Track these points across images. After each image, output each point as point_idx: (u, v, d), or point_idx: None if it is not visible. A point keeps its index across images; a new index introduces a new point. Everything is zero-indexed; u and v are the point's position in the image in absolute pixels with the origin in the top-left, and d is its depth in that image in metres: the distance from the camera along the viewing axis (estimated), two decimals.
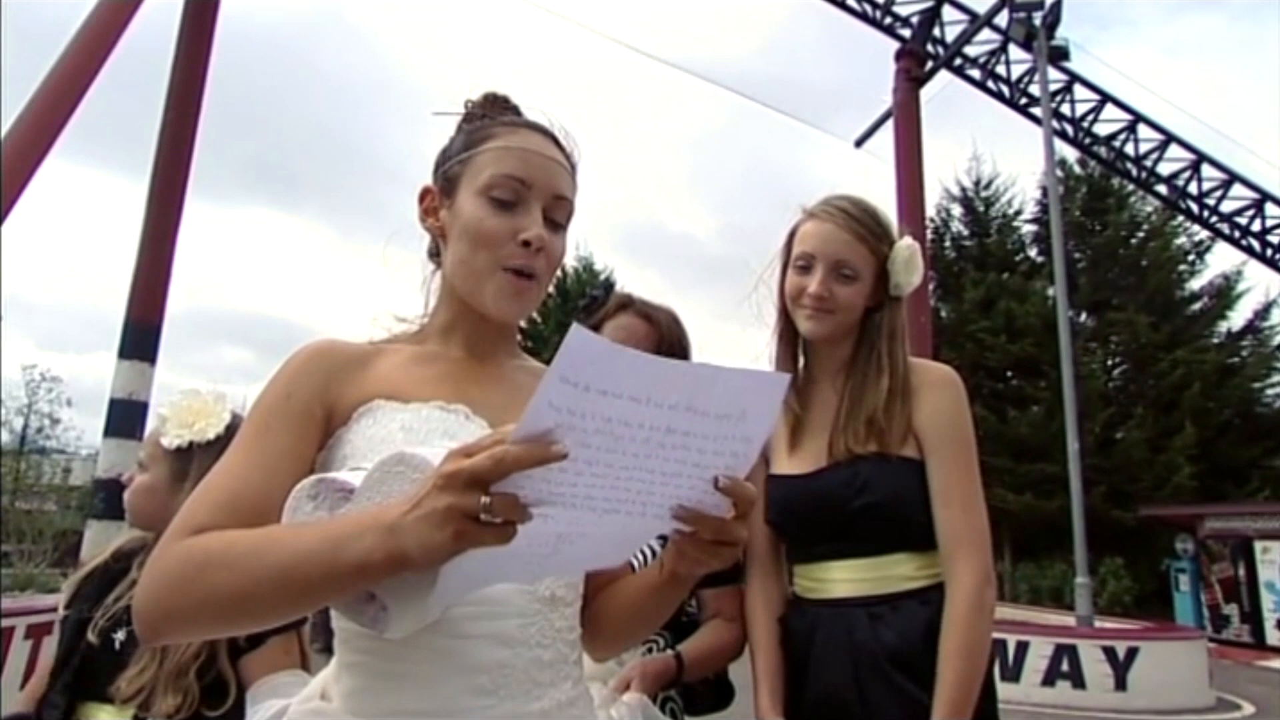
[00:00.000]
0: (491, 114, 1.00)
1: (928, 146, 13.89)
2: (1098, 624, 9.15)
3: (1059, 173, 15.42)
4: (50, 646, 1.53)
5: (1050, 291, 17.07)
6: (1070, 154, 17.82)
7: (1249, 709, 8.06)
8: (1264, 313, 17.66)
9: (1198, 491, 15.47)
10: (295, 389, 0.86)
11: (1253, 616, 12.39)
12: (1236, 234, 15.97)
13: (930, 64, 14.38)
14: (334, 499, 0.76)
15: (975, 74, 15.00)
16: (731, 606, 1.49)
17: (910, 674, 1.22)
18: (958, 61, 14.73)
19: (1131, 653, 7.92)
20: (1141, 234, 18.50)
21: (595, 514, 0.63)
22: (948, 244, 20.17)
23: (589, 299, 1.74)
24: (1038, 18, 11.86)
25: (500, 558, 0.62)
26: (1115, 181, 18.13)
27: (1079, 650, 7.99)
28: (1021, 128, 15.40)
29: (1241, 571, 12.60)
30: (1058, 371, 10.65)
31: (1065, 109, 15.26)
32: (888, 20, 14.50)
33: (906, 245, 1.40)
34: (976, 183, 20.23)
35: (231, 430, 1.46)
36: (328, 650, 0.89)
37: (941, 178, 21.79)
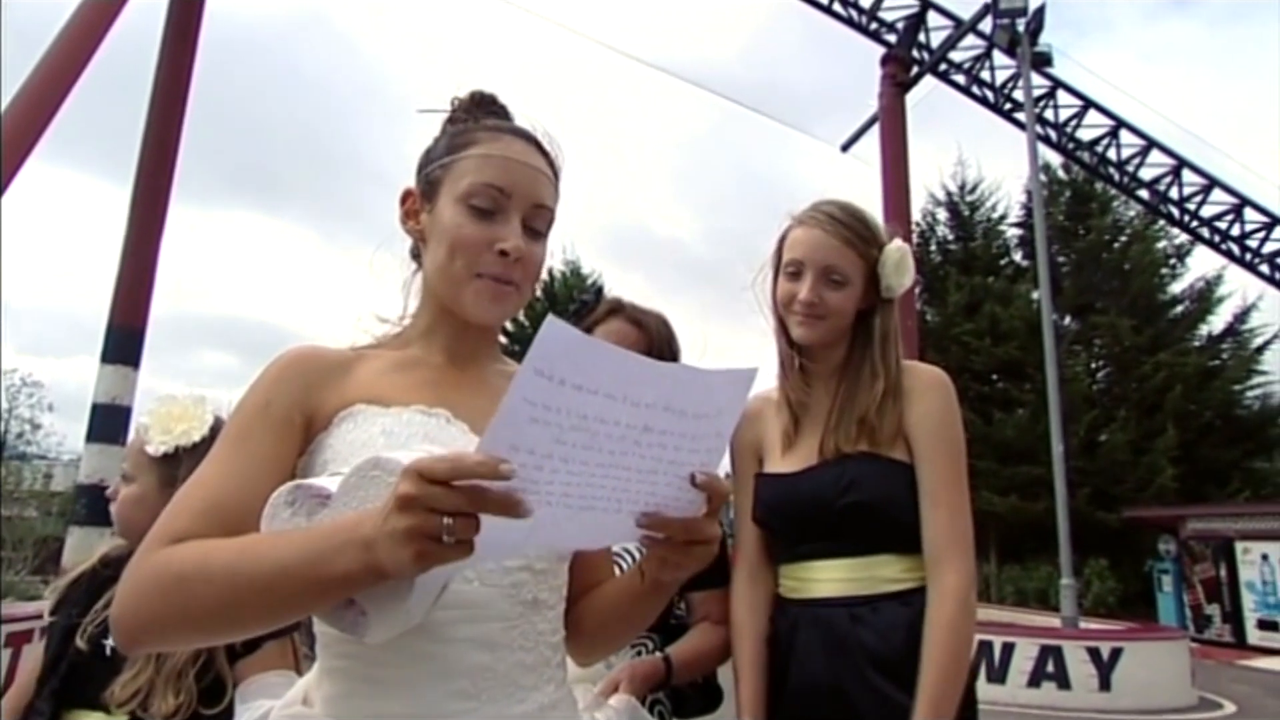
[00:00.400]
0: (477, 115, 0.99)
1: (913, 151, 13.99)
2: (1082, 625, 9.21)
3: (1043, 177, 15.56)
4: (29, 654, 1.51)
5: (1035, 295, 17.20)
6: (1054, 159, 18.01)
7: (1231, 708, 8.14)
8: (1243, 316, 17.88)
9: (1180, 493, 15.61)
10: (275, 396, 0.86)
11: (1234, 616, 12.51)
12: (1216, 238, 16.16)
13: (915, 69, 14.48)
14: (311, 505, 0.76)
15: (960, 79, 15.13)
16: (720, 609, 1.49)
17: (889, 675, 1.23)
18: (942, 67, 14.84)
19: (1115, 653, 7.99)
20: (1124, 238, 18.68)
21: (570, 510, 0.63)
22: (933, 248, 20.30)
23: (579, 304, 1.74)
24: (1021, 24, 11.97)
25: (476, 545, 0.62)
26: (1098, 186, 18.31)
27: (1064, 651, 8.05)
28: (1005, 132, 15.54)
29: (1223, 572, 12.73)
30: (1042, 374, 10.74)
31: (1049, 114, 15.41)
32: (873, 26, 14.60)
33: (896, 248, 1.41)
34: (961, 187, 20.40)
35: (215, 432, 1.45)
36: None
37: (927, 182, 21.94)
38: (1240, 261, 16.27)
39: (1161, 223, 17.53)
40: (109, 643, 1.35)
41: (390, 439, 0.83)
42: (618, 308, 1.68)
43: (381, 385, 0.89)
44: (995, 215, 20.23)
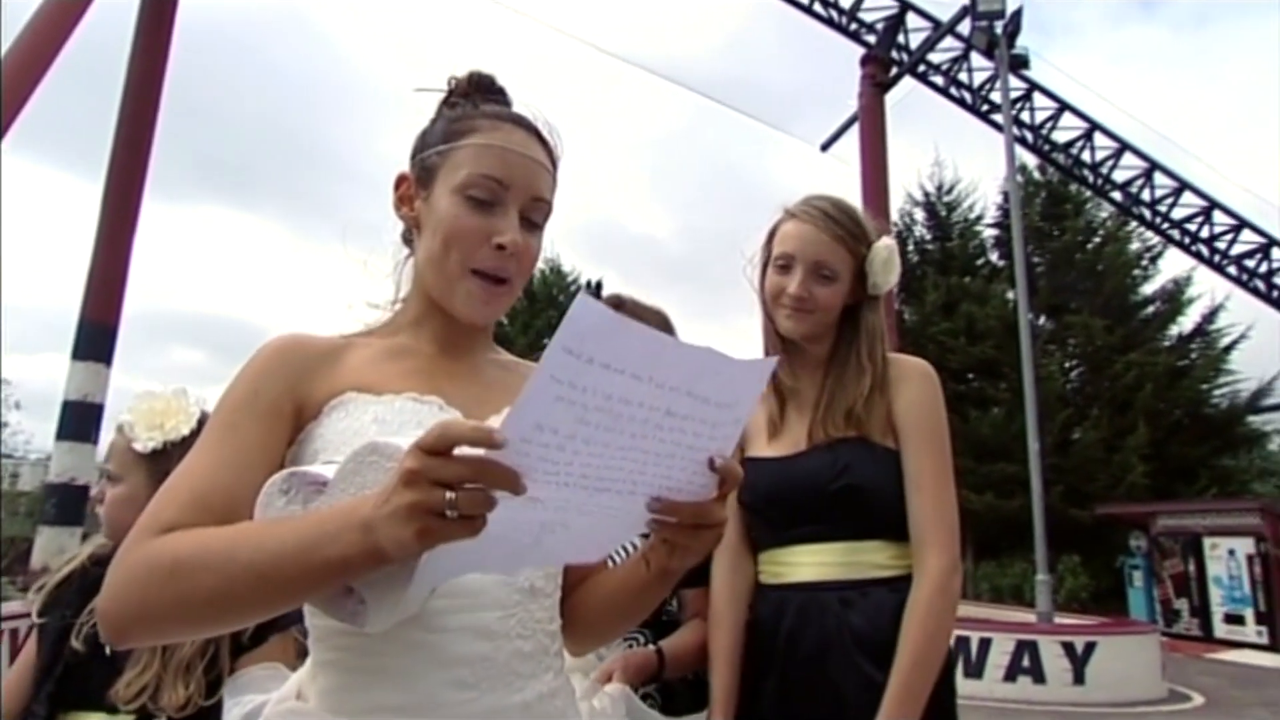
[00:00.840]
0: (475, 99, 0.97)
1: (891, 151, 14.12)
2: (1057, 620, 9.37)
3: (1019, 179, 15.76)
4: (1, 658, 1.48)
5: (1010, 295, 17.44)
6: (1030, 160, 18.25)
7: (1199, 700, 8.30)
8: (1211, 317, 18.19)
9: (1150, 490, 15.87)
10: (263, 385, 0.84)
11: (1201, 610, 12.76)
12: (1186, 240, 16.47)
13: (895, 70, 14.61)
14: (306, 493, 0.75)
15: (939, 80, 15.29)
16: (708, 607, 1.50)
17: (875, 660, 1.24)
18: (921, 68, 14.99)
19: (1089, 647, 8.11)
20: (1097, 239, 18.95)
21: (586, 492, 0.62)
22: (911, 248, 20.46)
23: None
24: (999, 26, 12.13)
25: (482, 546, 0.61)
26: (1073, 188, 18.57)
27: (1040, 646, 8.16)
28: (981, 133, 15.76)
29: (1191, 567, 12.97)
30: (1018, 373, 10.89)
31: (1025, 116, 15.62)
32: (853, 26, 14.72)
33: (885, 245, 1.42)
34: (939, 187, 20.58)
35: (203, 425, 1.43)
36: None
37: (905, 182, 22.15)
38: (1209, 263, 16.59)
39: (1134, 224, 17.82)
40: None
41: (383, 427, 0.82)
42: (618, 304, 1.66)
43: (372, 374, 0.88)
44: (972, 216, 20.47)
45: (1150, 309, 18.73)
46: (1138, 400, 16.76)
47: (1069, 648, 8.13)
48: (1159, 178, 16.03)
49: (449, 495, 0.57)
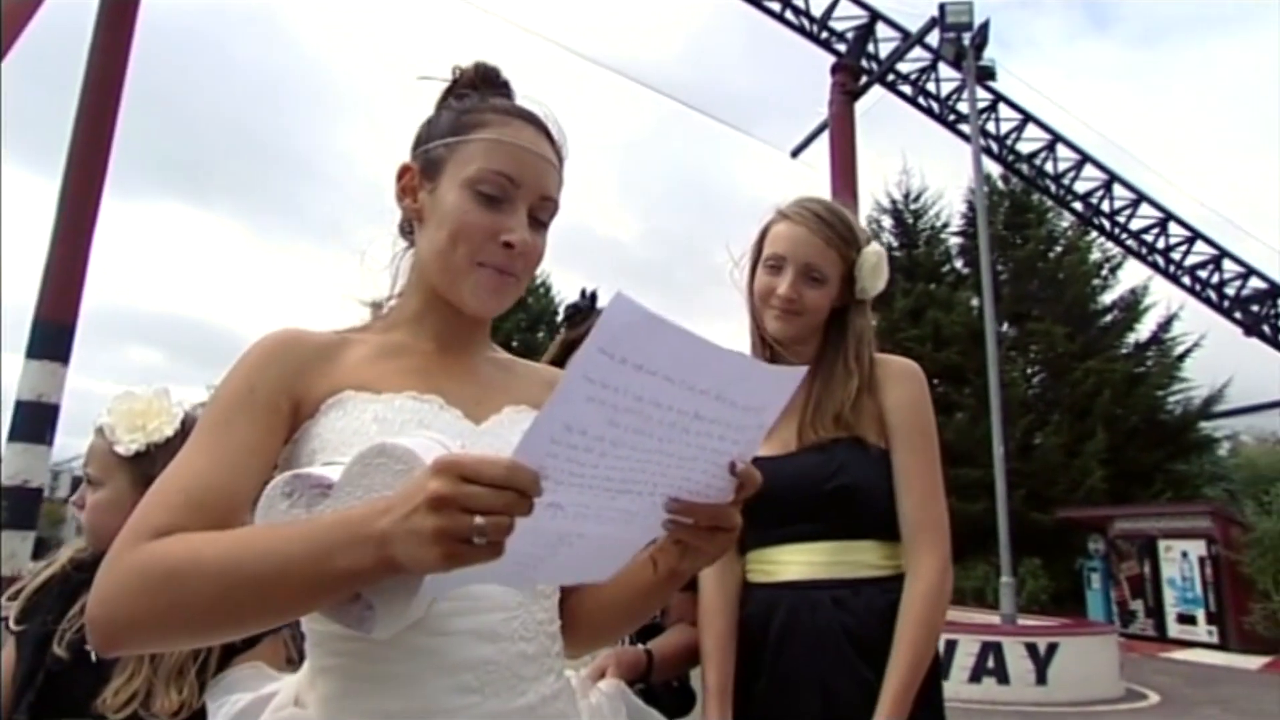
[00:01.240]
0: (483, 92, 0.95)
1: (859, 158, 14.31)
2: (1020, 622, 9.53)
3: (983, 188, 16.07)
4: None
5: (974, 302, 17.76)
6: (993, 170, 18.60)
7: (1155, 698, 8.52)
8: (1166, 325, 18.68)
9: (1108, 494, 16.24)
10: (259, 381, 0.82)
11: (1156, 611, 13.09)
12: (1144, 251, 16.94)
13: (864, 79, 14.82)
14: (310, 496, 0.73)
15: (907, 90, 15.54)
16: (693, 611, 1.49)
17: (867, 659, 1.25)
18: (890, 77, 15.22)
19: (1052, 648, 8.28)
20: (1059, 248, 19.37)
21: (607, 494, 0.62)
22: None
23: (571, 308, 1.68)
24: (967, 38, 12.36)
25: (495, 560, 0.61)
26: (1035, 198, 18.97)
27: (1004, 647, 8.31)
28: (945, 142, 16.04)
29: (1147, 569, 13.31)
30: (982, 379, 11.09)
31: (990, 126, 15.94)
32: (824, 35, 14.90)
33: (874, 251, 1.44)
34: (906, 195, 20.86)
35: (186, 426, 1.40)
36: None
37: (872, 189, 22.42)
38: (1164, 273, 17.07)
39: (1094, 234, 18.26)
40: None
41: (384, 426, 0.80)
42: None
43: (369, 372, 0.86)
44: (938, 224, 20.80)
45: (1109, 317, 19.18)
46: (1097, 406, 17.14)
47: (1032, 649, 8.29)
48: (1118, 189, 16.47)
49: (478, 522, 0.56)
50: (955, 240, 20.75)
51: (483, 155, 0.88)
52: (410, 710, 0.76)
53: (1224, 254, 16.56)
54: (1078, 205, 16.77)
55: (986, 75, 13.43)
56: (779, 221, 1.45)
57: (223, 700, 0.97)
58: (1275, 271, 16.57)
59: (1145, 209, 16.56)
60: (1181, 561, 12.77)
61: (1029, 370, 19.24)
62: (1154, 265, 17.12)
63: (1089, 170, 16.40)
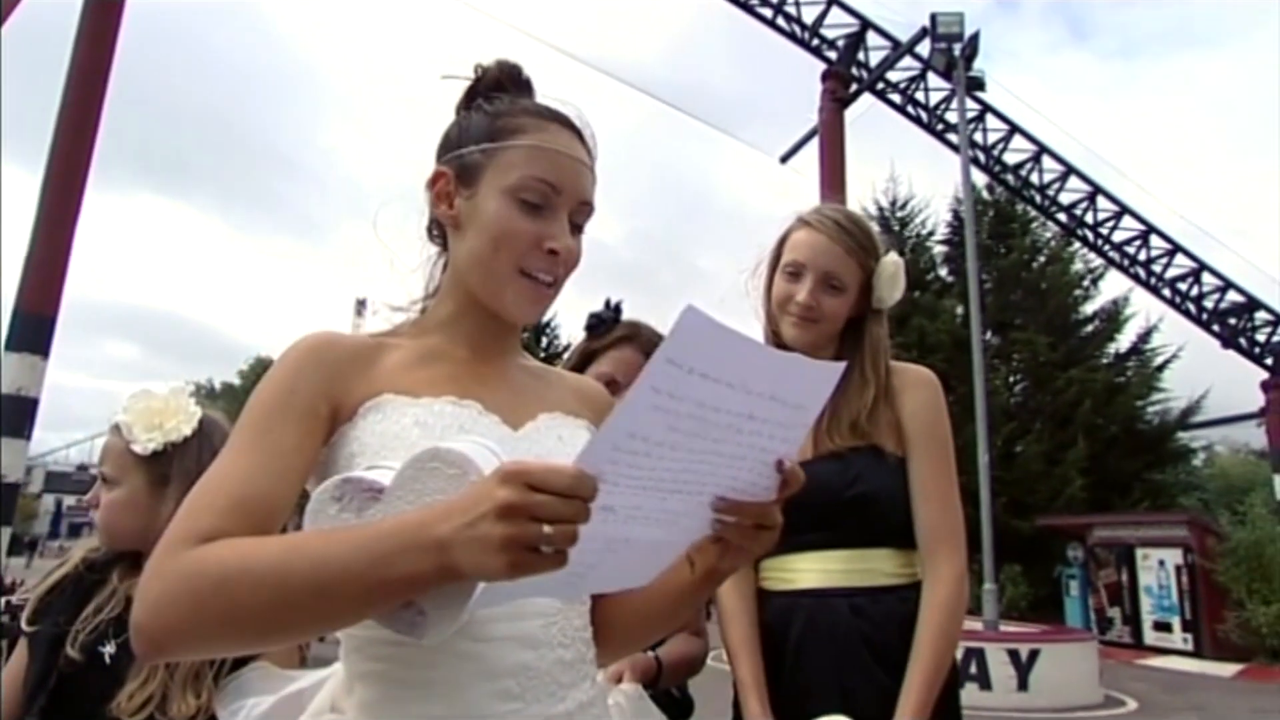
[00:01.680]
0: (513, 94, 0.95)
1: (849, 166, 14.41)
2: (1002, 628, 9.62)
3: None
4: None
5: (959, 310, 17.92)
6: (979, 179, 18.77)
7: (1132, 704, 8.64)
8: (1146, 336, 18.95)
9: (1087, 502, 16.42)
10: (299, 384, 0.81)
11: (1133, 619, 13.27)
12: (1126, 262, 17.15)
13: (854, 87, 14.92)
14: (361, 500, 0.73)
15: (896, 98, 15.66)
16: (695, 620, 1.52)
17: (886, 667, 1.26)
18: (880, 86, 15.34)
19: (1033, 655, 8.38)
20: (1042, 259, 19.60)
21: (659, 495, 0.62)
22: None
23: (594, 319, 1.66)
24: (957, 49, 12.48)
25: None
26: (1019, 208, 19.18)
27: (986, 653, 8.40)
28: (931, 150, 16.17)
29: (1124, 577, 13.48)
30: (966, 387, 11.16)
31: (977, 137, 16.08)
32: (815, 42, 14.99)
33: (892, 261, 1.44)
34: (893, 203, 21.03)
35: (204, 426, 1.38)
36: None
37: (859, 196, 22.56)
38: (1145, 285, 17.29)
39: (1077, 245, 18.49)
40: (107, 650, 1.26)
41: (425, 430, 0.80)
42: (633, 334, 1.61)
43: (405, 378, 0.86)
44: (924, 232, 20.97)
45: (1090, 327, 19.42)
46: (1078, 415, 17.33)
47: (1014, 655, 8.38)
48: (1101, 201, 16.68)
49: (547, 530, 0.57)
50: (940, 249, 20.95)
51: (524, 162, 0.87)
52: (453, 716, 0.75)
53: (1204, 267, 16.81)
54: (1062, 216, 16.96)
55: (976, 86, 13.55)
56: (800, 228, 1.45)
57: (238, 704, 0.96)
58: (1253, 285, 16.87)
59: (1128, 221, 16.77)
60: (1159, 570, 12.94)
61: (1011, 379, 19.42)
62: (1135, 277, 17.35)
63: (1073, 182, 16.60)
